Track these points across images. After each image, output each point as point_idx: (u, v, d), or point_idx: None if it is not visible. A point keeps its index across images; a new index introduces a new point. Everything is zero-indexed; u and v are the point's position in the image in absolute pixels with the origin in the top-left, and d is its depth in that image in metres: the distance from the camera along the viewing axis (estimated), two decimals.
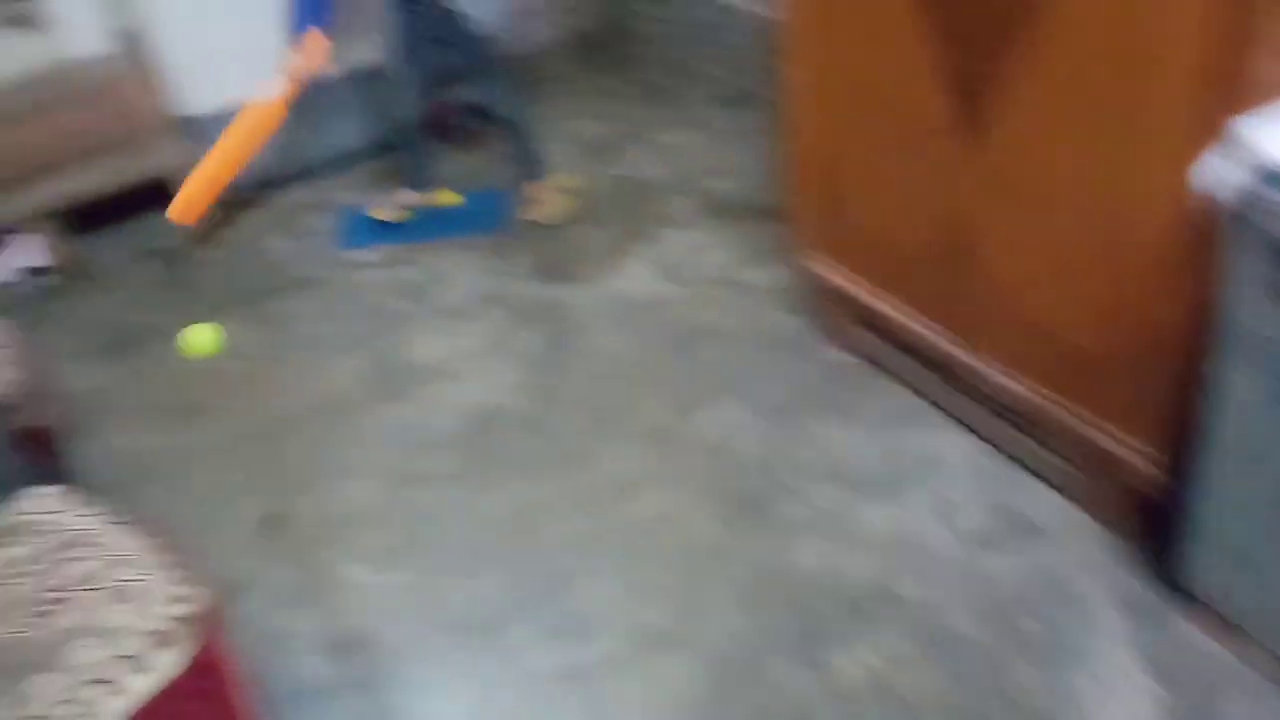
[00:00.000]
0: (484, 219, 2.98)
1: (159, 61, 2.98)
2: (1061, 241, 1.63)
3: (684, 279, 2.62)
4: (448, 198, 3.03)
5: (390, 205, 2.98)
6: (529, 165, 2.94)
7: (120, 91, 3.05)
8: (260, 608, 1.83)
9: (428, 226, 2.97)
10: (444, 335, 2.56)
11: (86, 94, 3.04)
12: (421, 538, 1.99)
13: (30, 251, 2.97)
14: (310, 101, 3.03)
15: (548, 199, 2.92)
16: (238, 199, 3.15)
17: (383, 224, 2.98)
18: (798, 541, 1.85)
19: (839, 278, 2.17)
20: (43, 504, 1.45)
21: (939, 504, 1.89)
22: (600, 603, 1.78)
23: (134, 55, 3.12)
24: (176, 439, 2.33)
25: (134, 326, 2.74)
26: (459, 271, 2.79)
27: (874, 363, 2.22)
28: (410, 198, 2.98)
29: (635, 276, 2.66)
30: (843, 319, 2.24)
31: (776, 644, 1.66)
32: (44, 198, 2.90)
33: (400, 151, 2.98)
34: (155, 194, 3.08)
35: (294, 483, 2.15)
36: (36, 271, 2.98)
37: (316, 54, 2.79)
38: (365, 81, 3.22)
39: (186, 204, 2.91)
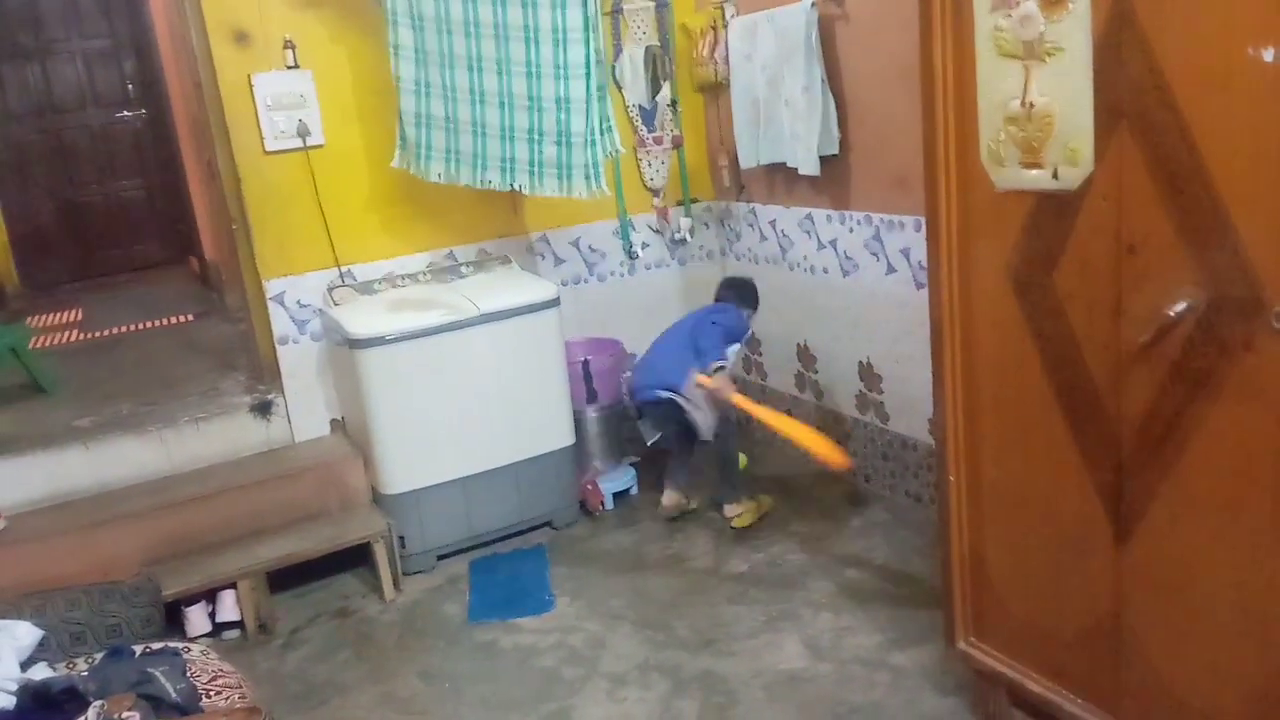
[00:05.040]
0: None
1: (367, 448, 3.50)
2: (1213, 627, 1.82)
3: (833, 657, 2.81)
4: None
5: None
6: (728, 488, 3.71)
7: (331, 470, 3.55)
8: None
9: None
10: (608, 701, 2.75)
11: (302, 472, 3.56)
12: None
13: (222, 607, 3.31)
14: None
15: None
16: (412, 567, 3.51)
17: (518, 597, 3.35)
18: None
19: (994, 661, 2.35)
20: None
21: None
22: None
23: (347, 441, 3.68)
24: None
25: (313, 682, 2.98)
26: (618, 638, 3.03)
27: None
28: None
29: (785, 652, 2.86)
30: (997, 700, 2.39)
31: None
32: (253, 559, 3.28)
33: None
34: (345, 560, 3.47)
35: None
36: (224, 627, 3.30)
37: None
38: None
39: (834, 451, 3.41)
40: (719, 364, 3.55)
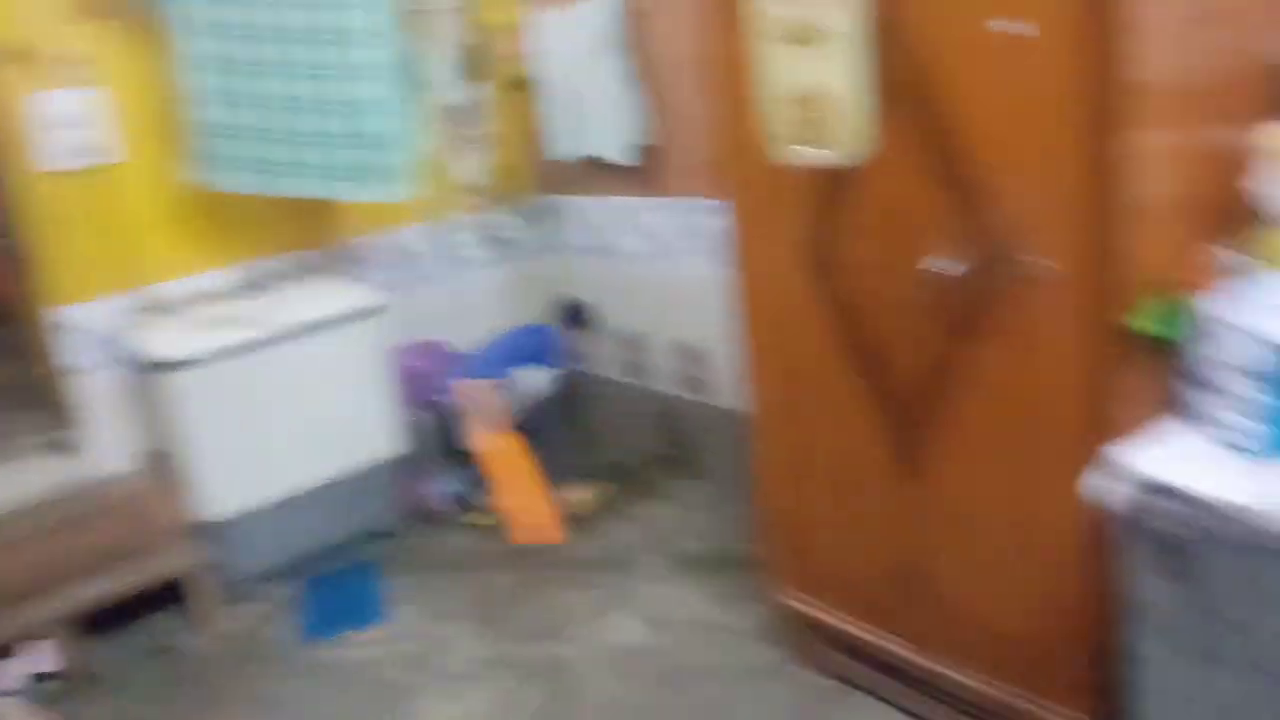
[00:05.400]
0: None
1: (180, 474, 3.34)
2: (992, 552, 2.04)
3: (669, 627, 2.92)
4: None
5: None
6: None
7: (141, 504, 3.37)
8: None
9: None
10: (451, 702, 2.75)
11: (108, 508, 3.35)
12: None
13: (38, 658, 3.10)
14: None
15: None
16: (238, 594, 3.39)
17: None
18: None
19: (811, 609, 2.51)
20: None
21: None
22: None
23: (156, 471, 3.50)
24: None
25: None
26: (457, 638, 3.02)
27: (849, 681, 2.51)
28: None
29: (626, 629, 2.95)
30: (819, 645, 2.55)
31: None
32: (60, 606, 3.08)
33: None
34: (164, 594, 3.31)
35: None
36: (43, 677, 3.09)
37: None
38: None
39: (540, 527, 3.43)
40: (493, 380, 3.66)
